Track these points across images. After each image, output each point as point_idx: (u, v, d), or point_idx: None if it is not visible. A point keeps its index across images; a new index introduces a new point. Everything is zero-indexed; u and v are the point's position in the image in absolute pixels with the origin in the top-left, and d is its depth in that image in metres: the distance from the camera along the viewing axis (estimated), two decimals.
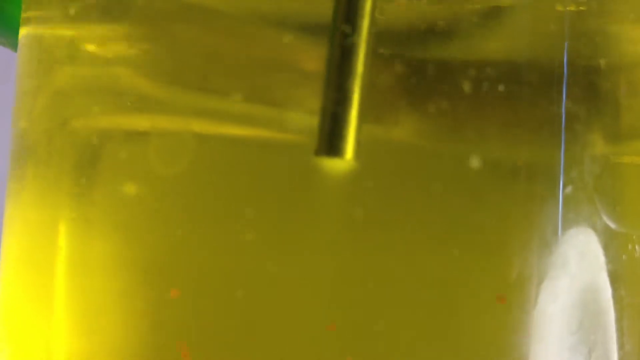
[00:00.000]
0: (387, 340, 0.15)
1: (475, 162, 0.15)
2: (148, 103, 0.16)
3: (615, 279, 0.16)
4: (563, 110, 0.16)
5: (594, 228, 0.16)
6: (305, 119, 0.15)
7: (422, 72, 0.15)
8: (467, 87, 0.15)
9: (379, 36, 0.15)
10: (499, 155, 0.16)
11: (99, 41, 0.17)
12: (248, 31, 0.16)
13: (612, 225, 0.16)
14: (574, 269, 0.16)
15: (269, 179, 0.15)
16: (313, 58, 0.16)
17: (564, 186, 0.16)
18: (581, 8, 0.16)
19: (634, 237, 0.17)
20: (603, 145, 0.16)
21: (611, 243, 0.16)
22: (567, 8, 0.16)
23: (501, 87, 0.15)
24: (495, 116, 0.15)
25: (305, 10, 0.16)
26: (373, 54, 0.15)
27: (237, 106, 0.16)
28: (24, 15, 0.19)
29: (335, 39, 0.15)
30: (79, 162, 0.17)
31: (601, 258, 0.16)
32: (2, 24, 0.20)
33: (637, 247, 0.17)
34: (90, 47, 0.17)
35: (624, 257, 0.16)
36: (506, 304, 0.15)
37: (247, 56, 0.16)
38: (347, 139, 0.15)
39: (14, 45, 0.20)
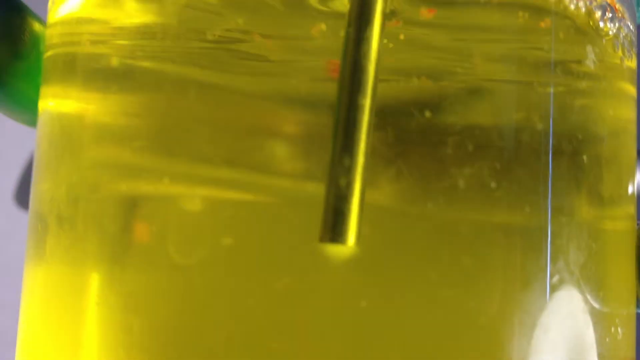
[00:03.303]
0: None
1: (468, 240, 0.16)
2: (150, 173, 0.17)
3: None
4: (549, 183, 0.16)
5: (579, 310, 0.17)
6: (307, 187, 0.16)
7: (416, 150, 0.16)
8: (457, 157, 0.16)
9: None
10: (490, 231, 0.16)
11: (116, 117, 0.17)
12: (234, 101, 0.17)
13: (597, 305, 0.17)
14: (561, 351, 0.16)
15: (274, 256, 0.16)
16: (309, 126, 0.16)
17: (551, 276, 0.16)
18: (562, 88, 0.17)
19: (617, 320, 0.17)
20: (586, 219, 0.17)
21: (596, 324, 0.17)
22: (549, 90, 0.17)
23: (490, 156, 0.16)
24: (484, 185, 0.16)
25: (298, 86, 0.16)
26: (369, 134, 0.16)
27: (232, 174, 0.16)
28: (43, 93, 0.20)
29: (337, 131, 0.15)
30: (102, 238, 0.17)
31: (587, 339, 0.17)
32: (18, 102, 0.20)
33: (619, 329, 0.17)
34: (109, 123, 0.18)
35: (607, 339, 0.17)
36: None
37: (235, 124, 0.16)
38: (350, 226, 0.15)
39: (28, 122, 0.21)
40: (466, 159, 0.16)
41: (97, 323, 0.17)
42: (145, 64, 0.17)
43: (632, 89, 0.19)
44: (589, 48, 0.17)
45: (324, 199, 0.15)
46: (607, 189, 0.18)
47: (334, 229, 0.15)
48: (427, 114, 0.16)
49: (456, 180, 0.16)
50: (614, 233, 0.18)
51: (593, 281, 0.17)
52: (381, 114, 0.16)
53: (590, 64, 0.17)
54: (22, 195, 0.49)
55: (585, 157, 0.17)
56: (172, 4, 0.17)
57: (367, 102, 0.16)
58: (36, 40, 0.20)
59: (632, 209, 0.19)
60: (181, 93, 0.17)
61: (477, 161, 0.16)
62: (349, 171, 0.15)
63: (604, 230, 0.18)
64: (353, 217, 0.15)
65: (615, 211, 0.18)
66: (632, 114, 0.19)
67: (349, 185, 0.15)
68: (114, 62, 0.17)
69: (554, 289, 0.16)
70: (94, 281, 0.17)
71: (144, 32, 0.17)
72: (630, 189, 0.19)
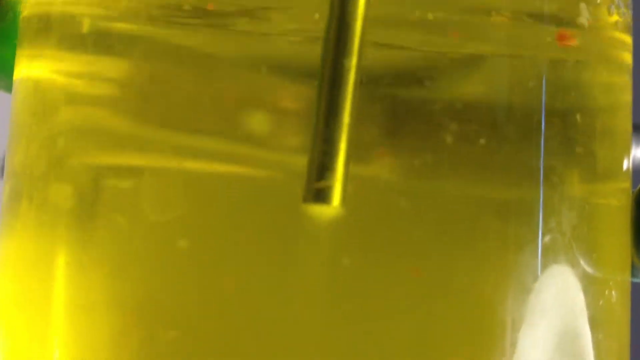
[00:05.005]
0: None
1: (457, 207, 0.16)
2: (138, 143, 0.17)
3: (593, 323, 0.17)
4: (542, 156, 0.16)
5: (572, 274, 0.16)
6: (290, 158, 0.16)
7: (405, 116, 0.16)
8: (448, 132, 0.16)
9: (362, 80, 0.15)
10: (480, 201, 0.16)
11: (92, 82, 0.17)
12: (233, 73, 0.16)
13: (590, 270, 0.17)
14: (553, 315, 0.16)
15: (257, 219, 0.16)
16: (296, 97, 0.16)
17: (543, 235, 0.16)
18: (556, 59, 0.17)
19: (611, 282, 0.17)
20: (579, 191, 0.17)
21: (589, 289, 0.17)
22: (542, 44, 0.17)
23: (481, 132, 0.16)
24: (475, 161, 0.16)
25: (286, 53, 0.16)
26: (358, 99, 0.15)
27: (222, 145, 0.16)
28: (18, 57, 0.19)
29: (322, 89, 0.15)
30: (75, 203, 0.17)
31: (579, 304, 0.17)
32: None
33: (613, 292, 0.17)
34: (84, 88, 0.17)
35: (601, 302, 0.17)
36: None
37: (231, 96, 0.16)
38: (335, 186, 0.15)
39: (7, 87, 0.21)
40: (456, 121, 0.16)
41: (68, 285, 0.17)
42: (121, 25, 0.17)
43: (627, 57, 0.19)
44: (582, 5, 0.17)
45: (308, 158, 0.15)
46: (601, 162, 0.18)
47: (318, 191, 0.15)
48: (417, 83, 0.16)
49: (445, 144, 0.16)
50: (608, 208, 0.18)
51: (585, 243, 0.17)
52: (370, 83, 0.16)
53: (583, 21, 0.17)
54: None
55: (578, 116, 0.17)
56: None
57: (353, 61, 0.15)
58: (13, 1, 0.20)
59: (627, 184, 0.19)
60: (158, 57, 0.17)
61: (467, 124, 0.16)
62: (335, 130, 0.15)
63: (597, 204, 0.18)
64: (338, 176, 0.15)
65: (610, 187, 0.18)
66: (626, 84, 0.19)
67: (334, 145, 0.15)
68: (88, 23, 0.17)
69: (546, 250, 0.16)
70: (66, 244, 0.17)
71: None
72: (625, 164, 0.18)
